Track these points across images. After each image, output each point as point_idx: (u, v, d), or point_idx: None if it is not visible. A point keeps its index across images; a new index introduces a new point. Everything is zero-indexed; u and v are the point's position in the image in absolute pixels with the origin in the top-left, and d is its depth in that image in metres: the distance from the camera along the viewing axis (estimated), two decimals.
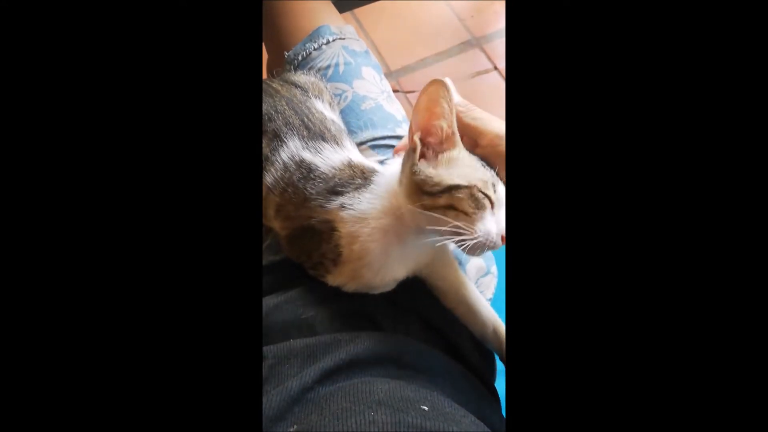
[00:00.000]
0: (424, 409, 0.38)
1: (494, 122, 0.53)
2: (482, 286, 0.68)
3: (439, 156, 0.49)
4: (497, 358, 0.62)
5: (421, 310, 0.59)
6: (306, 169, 0.54)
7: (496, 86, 1.44)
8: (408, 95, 1.40)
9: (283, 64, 0.75)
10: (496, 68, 1.46)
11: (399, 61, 1.47)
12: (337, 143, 0.58)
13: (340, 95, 0.70)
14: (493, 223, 0.47)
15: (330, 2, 0.79)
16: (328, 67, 0.71)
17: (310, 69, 0.71)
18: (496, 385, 0.63)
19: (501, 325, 0.61)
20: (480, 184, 0.47)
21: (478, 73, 1.45)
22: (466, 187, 0.47)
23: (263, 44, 0.81)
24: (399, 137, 0.69)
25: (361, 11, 1.55)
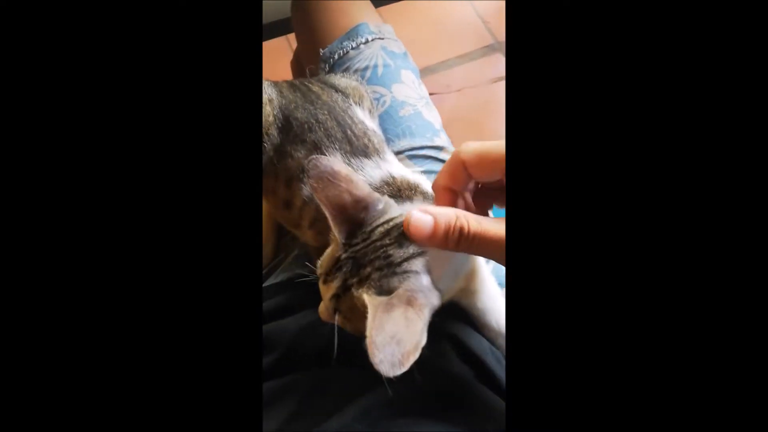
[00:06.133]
0: None
1: None
2: None
3: None
4: None
5: (457, 336, 0.55)
6: None
7: None
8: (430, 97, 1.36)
9: (317, 62, 0.71)
10: None
11: (420, 61, 1.41)
12: (380, 157, 0.54)
13: (378, 99, 0.66)
14: None
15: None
16: (366, 68, 0.67)
17: (347, 69, 0.67)
18: None
19: None
20: None
21: (499, 79, 1.41)
22: None
23: (297, 39, 0.76)
24: (437, 147, 0.66)
25: (382, 11, 1.51)
